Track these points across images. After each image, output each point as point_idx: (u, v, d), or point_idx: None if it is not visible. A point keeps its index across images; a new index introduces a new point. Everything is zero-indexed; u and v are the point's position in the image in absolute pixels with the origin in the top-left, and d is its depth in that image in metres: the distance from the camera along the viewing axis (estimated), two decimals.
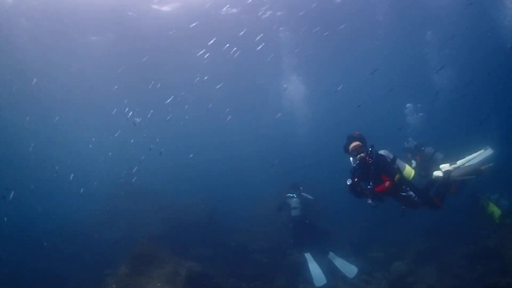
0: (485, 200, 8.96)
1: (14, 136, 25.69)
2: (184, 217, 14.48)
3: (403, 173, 6.15)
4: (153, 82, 18.32)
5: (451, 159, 6.76)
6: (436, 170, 6.51)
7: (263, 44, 17.70)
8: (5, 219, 14.05)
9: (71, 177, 16.52)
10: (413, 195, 6.13)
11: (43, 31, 17.46)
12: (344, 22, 17.79)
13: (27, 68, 19.44)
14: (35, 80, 15.89)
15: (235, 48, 17.45)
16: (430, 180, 6.56)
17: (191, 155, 18.73)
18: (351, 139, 6.15)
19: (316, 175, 20.70)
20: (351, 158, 6.18)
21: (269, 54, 20.13)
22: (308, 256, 10.18)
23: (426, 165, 8.77)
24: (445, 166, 6.47)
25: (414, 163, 8.36)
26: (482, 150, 6.57)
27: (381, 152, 6.21)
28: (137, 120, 16.25)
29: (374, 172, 6.01)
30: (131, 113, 16.47)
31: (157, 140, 18.04)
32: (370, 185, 6.00)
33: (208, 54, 17.23)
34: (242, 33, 16.91)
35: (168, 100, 16.09)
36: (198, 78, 17.62)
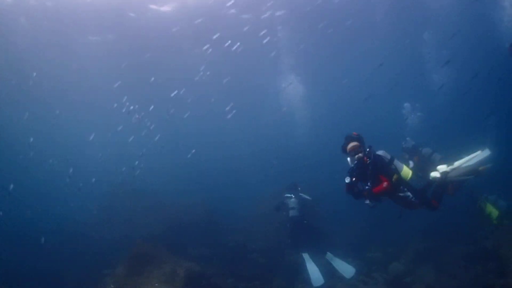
0: (482, 201, 8.98)
1: (12, 134, 25.67)
2: (183, 217, 14.48)
3: (401, 173, 6.17)
4: (153, 78, 18.24)
5: (448, 160, 6.77)
6: (434, 171, 6.52)
7: (268, 38, 17.67)
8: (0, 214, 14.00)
9: (71, 171, 16.53)
10: (411, 195, 6.15)
11: (43, 30, 17.46)
12: (343, 22, 17.82)
13: (26, 66, 19.43)
14: (34, 74, 15.83)
15: (239, 43, 17.33)
16: (427, 181, 6.58)
17: (193, 151, 18.67)
18: (349, 139, 6.18)
19: (315, 175, 20.71)
20: (348, 159, 6.21)
21: (268, 53, 20.15)
22: (306, 256, 10.19)
23: (423, 166, 8.78)
24: (442, 167, 6.48)
25: (411, 163, 8.38)
26: (479, 151, 6.58)
27: (379, 152, 6.23)
28: (137, 116, 16.21)
29: (372, 172, 6.03)
30: (132, 107, 16.39)
31: (157, 137, 18.00)
32: (368, 186, 6.03)
33: (210, 50, 17.21)
34: (245, 28, 16.79)
35: (173, 94, 16.02)
36: (201, 73, 17.53)
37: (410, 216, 6.73)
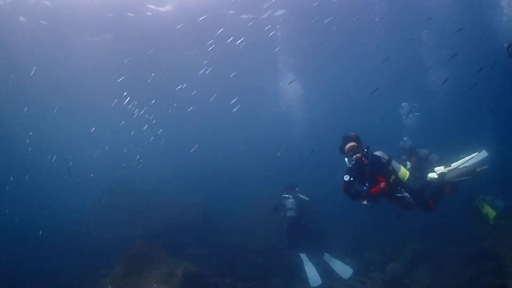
0: (479, 201, 9.01)
1: (10, 132, 25.63)
2: (181, 216, 14.48)
3: (398, 174, 6.18)
4: (151, 77, 18.15)
5: (446, 161, 6.78)
6: (431, 172, 6.53)
7: (273, 32, 17.59)
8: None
9: (70, 164, 16.42)
10: (408, 196, 6.16)
11: (41, 29, 17.43)
12: (341, 22, 17.82)
13: (25, 65, 19.39)
14: (34, 68, 15.75)
15: (243, 37, 17.22)
16: (425, 181, 6.59)
17: (196, 146, 18.56)
18: (347, 139, 6.20)
19: (314, 175, 20.69)
20: (346, 159, 6.22)
21: (266, 53, 20.15)
22: (303, 256, 10.21)
23: (421, 167, 8.81)
24: (439, 169, 6.49)
25: (409, 164, 8.43)
26: (476, 153, 6.59)
27: (377, 153, 6.25)
28: (136, 111, 16.09)
29: (370, 172, 6.04)
30: (134, 102, 16.24)
31: (160, 131, 17.82)
32: (366, 186, 6.04)
33: (210, 49, 17.15)
34: (245, 28, 16.64)
35: (178, 88, 15.88)
36: (206, 68, 17.40)
37: (408, 216, 6.74)
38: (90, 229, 14.83)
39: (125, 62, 15.50)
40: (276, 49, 19.48)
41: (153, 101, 16.04)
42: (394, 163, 6.28)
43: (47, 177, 25.32)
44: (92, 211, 16.76)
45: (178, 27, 17.37)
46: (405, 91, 21.28)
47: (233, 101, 16.96)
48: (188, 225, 14.00)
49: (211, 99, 19.51)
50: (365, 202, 6.03)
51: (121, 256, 9.59)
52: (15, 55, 18.65)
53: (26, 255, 13.94)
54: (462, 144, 7.78)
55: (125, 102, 15.84)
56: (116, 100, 16.86)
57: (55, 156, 17.70)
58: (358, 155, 6.05)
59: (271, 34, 17.48)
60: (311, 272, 9.96)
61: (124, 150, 18.01)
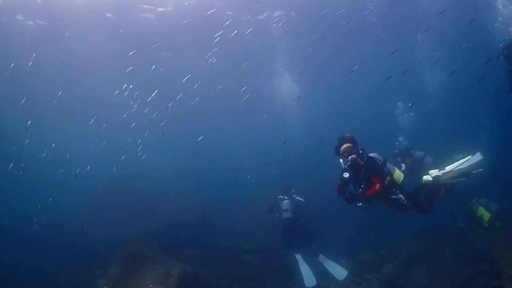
0: (474, 204, 9.05)
1: (7, 128, 25.50)
2: (177, 217, 14.46)
3: (393, 176, 6.20)
4: (153, 67, 18.02)
5: (440, 164, 6.81)
6: (426, 174, 6.56)
7: (277, 23, 17.54)
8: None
9: (67, 157, 16.21)
10: (403, 198, 6.18)
11: (40, 28, 17.39)
12: (339, 22, 17.85)
13: (24, 62, 19.34)
14: (34, 55, 15.62)
15: (249, 32, 17.15)
16: (419, 184, 6.62)
17: (201, 137, 18.45)
18: (343, 141, 6.22)
19: (313, 175, 20.75)
20: (341, 160, 6.24)
21: (263, 53, 20.17)
22: (298, 257, 10.23)
23: (415, 169, 8.85)
24: (434, 172, 6.51)
25: (403, 166, 8.45)
26: (470, 156, 6.61)
27: (371, 154, 6.27)
28: (137, 103, 15.93)
29: (365, 174, 6.05)
30: (137, 91, 16.08)
31: (164, 121, 17.69)
32: (361, 188, 6.06)
33: (210, 51, 17.16)
34: (248, 27, 16.60)
35: (184, 80, 15.73)
36: (212, 60, 17.33)
37: (403, 218, 6.76)
38: (85, 228, 14.75)
39: (130, 54, 15.38)
40: (275, 49, 19.54)
41: (156, 91, 15.75)
42: (389, 164, 6.31)
43: (43, 173, 25.20)
44: (87, 209, 16.68)
45: (171, 30, 17.37)
46: (401, 90, 21.32)
47: (242, 89, 16.87)
48: (185, 225, 13.99)
49: (218, 88, 19.25)
50: (360, 204, 6.06)
51: (116, 256, 9.56)
52: (13, 53, 18.56)
53: (23, 255, 13.88)
54: (457, 145, 7.81)
55: (126, 93, 15.64)
56: (117, 91, 16.74)
57: (49, 153, 17.57)
58: (353, 156, 6.07)
59: (278, 24, 17.40)
60: (307, 273, 9.98)
61: (121, 144, 17.86)
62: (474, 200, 9.07)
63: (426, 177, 6.49)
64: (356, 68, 17.38)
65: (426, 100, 20.20)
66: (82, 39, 18.99)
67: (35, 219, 13.05)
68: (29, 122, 16.53)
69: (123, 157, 17.35)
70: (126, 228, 13.85)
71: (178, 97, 16.68)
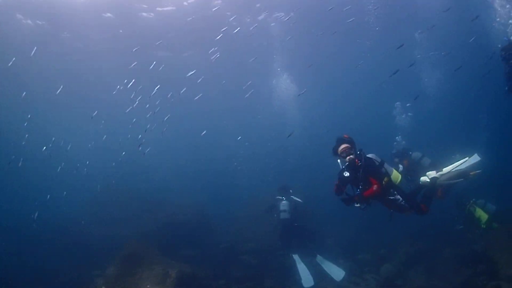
0: (471, 205, 9.06)
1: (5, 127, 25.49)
2: (176, 217, 14.44)
3: (391, 177, 6.22)
4: (153, 63, 18.01)
5: (438, 165, 6.82)
6: (423, 175, 6.57)
7: (277, 21, 17.48)
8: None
9: (68, 148, 16.11)
10: (400, 199, 6.19)
11: (39, 26, 17.36)
12: (337, 22, 17.87)
13: (23, 61, 19.32)
14: (35, 48, 15.60)
15: (252, 28, 17.06)
16: (417, 185, 6.63)
17: (205, 131, 18.39)
18: (341, 141, 6.23)
19: (312, 176, 20.71)
20: (339, 160, 6.25)
21: (262, 53, 20.16)
22: (296, 257, 10.24)
23: (413, 170, 8.86)
24: (431, 173, 6.53)
25: (401, 167, 8.47)
26: (467, 158, 6.62)
27: (369, 155, 6.28)
28: (138, 100, 15.90)
29: (363, 174, 6.06)
30: (140, 86, 15.99)
31: (167, 116, 17.64)
32: (359, 189, 6.07)
33: (217, 54, 17.17)
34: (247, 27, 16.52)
35: (189, 75, 15.71)
36: (216, 55, 17.31)
37: (401, 218, 6.77)
38: (84, 228, 14.70)
39: (133, 50, 15.35)
40: (273, 49, 19.51)
41: (158, 86, 15.63)
42: (386, 165, 6.33)
43: (41, 171, 25.17)
44: (86, 209, 16.65)
45: (170, 30, 17.34)
46: (400, 91, 21.33)
47: (248, 83, 16.81)
48: (182, 226, 13.96)
49: (223, 83, 19.13)
50: (358, 205, 6.07)
51: (114, 256, 9.56)
52: (11, 52, 18.54)
53: (22, 254, 13.86)
54: (456, 146, 7.82)
55: (128, 86, 15.60)
56: (119, 87, 16.68)
57: (47, 150, 17.50)
58: (351, 156, 6.09)
59: (284, 16, 17.39)
60: (304, 273, 10.00)
61: (120, 140, 17.78)
62: (471, 201, 9.09)
63: (423, 178, 6.51)
64: (361, 63, 17.29)
65: (425, 100, 20.21)
66: (81, 38, 18.97)
67: (32, 216, 12.97)
68: (29, 116, 16.60)
69: (123, 153, 17.32)
70: (124, 228, 13.82)
71: (182, 91, 16.62)
